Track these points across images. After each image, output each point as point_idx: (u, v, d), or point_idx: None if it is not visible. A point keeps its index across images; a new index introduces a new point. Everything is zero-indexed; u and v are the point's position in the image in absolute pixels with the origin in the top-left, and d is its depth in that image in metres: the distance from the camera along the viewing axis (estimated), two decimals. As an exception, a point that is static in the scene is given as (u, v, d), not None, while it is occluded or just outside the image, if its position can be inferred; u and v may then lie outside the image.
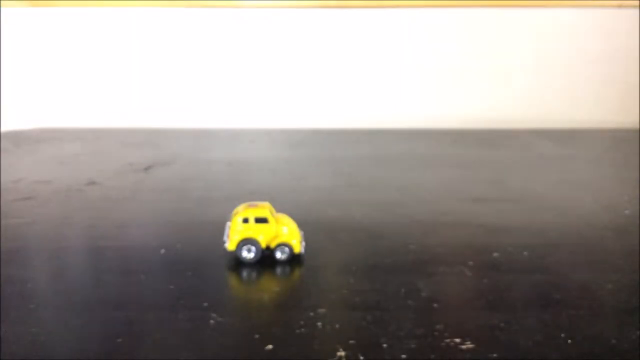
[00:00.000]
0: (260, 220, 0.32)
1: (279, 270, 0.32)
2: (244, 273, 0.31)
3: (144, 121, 0.85)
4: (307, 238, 0.33)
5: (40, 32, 0.83)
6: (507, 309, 0.27)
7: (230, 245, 0.32)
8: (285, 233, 0.32)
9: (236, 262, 0.32)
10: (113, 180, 0.52)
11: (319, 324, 0.25)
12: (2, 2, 0.80)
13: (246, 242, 0.32)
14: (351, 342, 0.24)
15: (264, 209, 0.32)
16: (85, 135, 0.76)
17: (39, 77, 0.85)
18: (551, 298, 0.28)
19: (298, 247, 0.32)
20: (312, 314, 0.26)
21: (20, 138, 0.74)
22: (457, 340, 0.24)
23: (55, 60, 0.84)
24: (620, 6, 0.79)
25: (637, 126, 0.80)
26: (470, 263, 0.32)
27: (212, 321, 0.26)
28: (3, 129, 0.80)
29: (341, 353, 0.23)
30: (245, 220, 0.32)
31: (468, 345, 0.23)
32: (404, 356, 0.23)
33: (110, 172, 0.55)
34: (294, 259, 0.32)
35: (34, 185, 0.50)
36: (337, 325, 0.25)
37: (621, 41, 0.81)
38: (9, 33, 0.82)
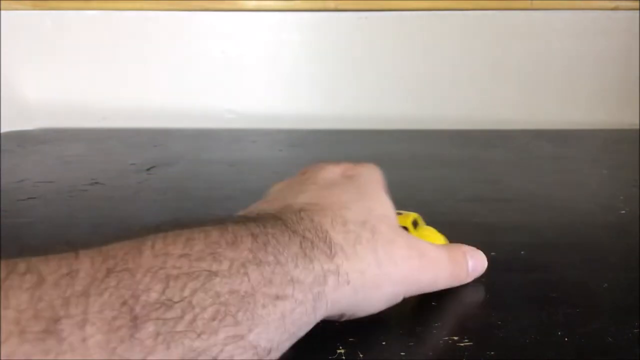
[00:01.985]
0: None
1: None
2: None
3: (147, 122, 0.85)
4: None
5: (44, 33, 0.83)
6: (504, 307, 0.27)
7: None
8: None
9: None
10: (116, 180, 0.53)
11: (319, 322, 0.26)
12: (3, 3, 0.81)
13: None
14: (351, 339, 0.24)
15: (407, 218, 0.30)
16: (88, 136, 0.77)
17: (43, 78, 0.85)
18: (548, 296, 0.28)
19: None
20: (312, 312, 0.27)
21: (24, 138, 0.74)
22: (455, 338, 0.24)
23: (59, 62, 0.85)
24: (616, 8, 0.79)
25: (634, 127, 0.80)
26: (469, 262, 0.32)
27: (214, 319, 0.26)
28: (6, 130, 0.80)
29: (341, 350, 0.23)
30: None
31: (466, 342, 0.24)
32: (402, 354, 0.23)
33: (113, 172, 0.56)
34: None
35: (37, 185, 0.51)
36: (336, 324, 0.25)
37: (618, 43, 0.81)
38: (12, 34, 0.83)
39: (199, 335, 0.14)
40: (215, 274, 0.16)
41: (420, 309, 0.27)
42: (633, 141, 0.68)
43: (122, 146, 0.70)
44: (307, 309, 0.18)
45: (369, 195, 0.25)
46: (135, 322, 0.14)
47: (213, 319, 0.15)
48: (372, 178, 0.27)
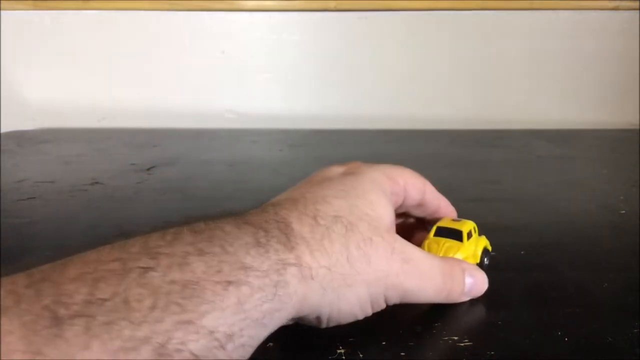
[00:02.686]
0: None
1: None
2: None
3: (146, 122, 0.85)
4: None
5: (44, 33, 0.83)
6: (504, 307, 0.27)
7: None
8: None
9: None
10: (116, 180, 0.53)
11: (320, 322, 0.26)
12: (3, 3, 0.81)
13: None
14: (351, 339, 0.24)
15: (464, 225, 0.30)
16: (88, 136, 0.77)
17: (42, 78, 0.85)
18: (548, 296, 0.28)
19: None
20: (312, 312, 0.26)
21: (24, 138, 0.74)
22: (455, 338, 0.24)
23: (59, 62, 0.85)
24: (616, 8, 0.79)
25: (634, 127, 0.80)
26: (469, 262, 0.32)
27: (214, 319, 0.26)
28: (6, 130, 0.80)
29: (341, 350, 0.23)
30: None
31: (466, 342, 0.24)
32: (402, 354, 0.23)
33: (113, 172, 0.56)
34: None
35: (37, 185, 0.51)
36: (337, 323, 0.25)
37: (618, 43, 0.81)
38: (12, 34, 0.83)
39: (138, 325, 0.15)
40: (152, 269, 0.17)
41: (420, 309, 0.27)
42: (633, 141, 0.68)
43: (122, 146, 0.70)
44: (268, 296, 0.18)
45: (356, 193, 0.24)
46: (58, 322, 0.14)
47: (153, 308, 0.15)
48: (371, 178, 0.26)
